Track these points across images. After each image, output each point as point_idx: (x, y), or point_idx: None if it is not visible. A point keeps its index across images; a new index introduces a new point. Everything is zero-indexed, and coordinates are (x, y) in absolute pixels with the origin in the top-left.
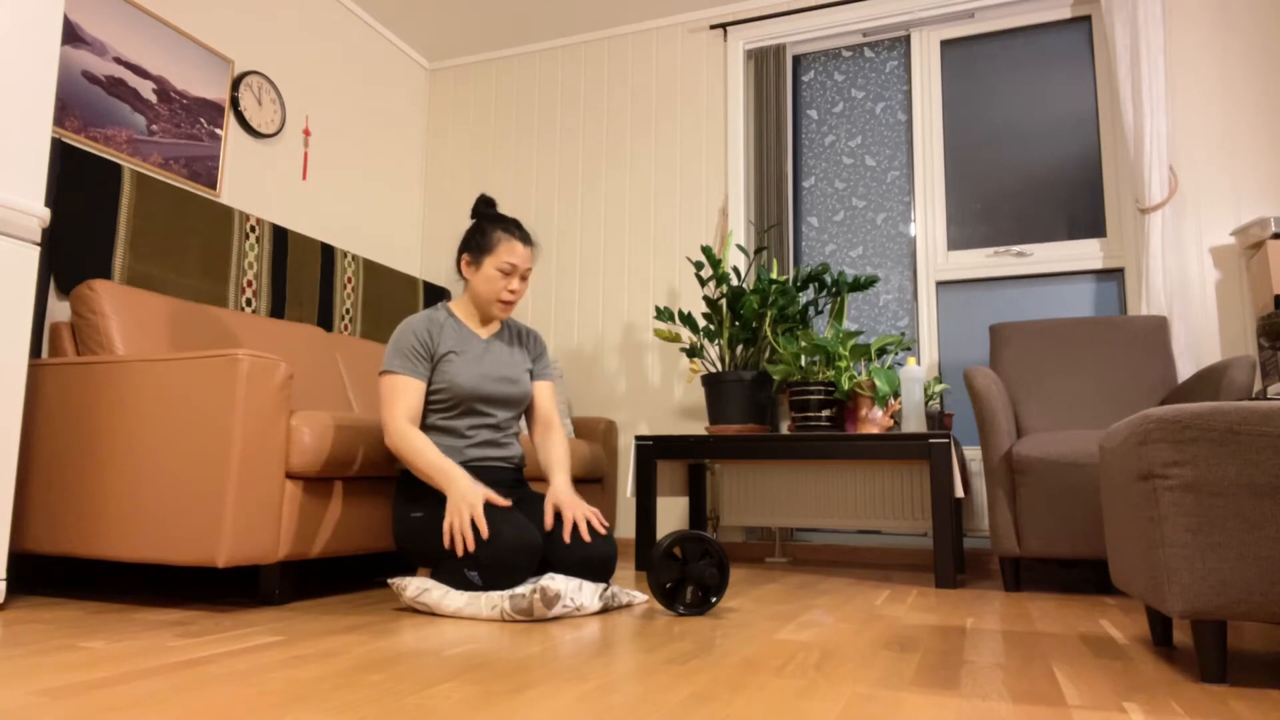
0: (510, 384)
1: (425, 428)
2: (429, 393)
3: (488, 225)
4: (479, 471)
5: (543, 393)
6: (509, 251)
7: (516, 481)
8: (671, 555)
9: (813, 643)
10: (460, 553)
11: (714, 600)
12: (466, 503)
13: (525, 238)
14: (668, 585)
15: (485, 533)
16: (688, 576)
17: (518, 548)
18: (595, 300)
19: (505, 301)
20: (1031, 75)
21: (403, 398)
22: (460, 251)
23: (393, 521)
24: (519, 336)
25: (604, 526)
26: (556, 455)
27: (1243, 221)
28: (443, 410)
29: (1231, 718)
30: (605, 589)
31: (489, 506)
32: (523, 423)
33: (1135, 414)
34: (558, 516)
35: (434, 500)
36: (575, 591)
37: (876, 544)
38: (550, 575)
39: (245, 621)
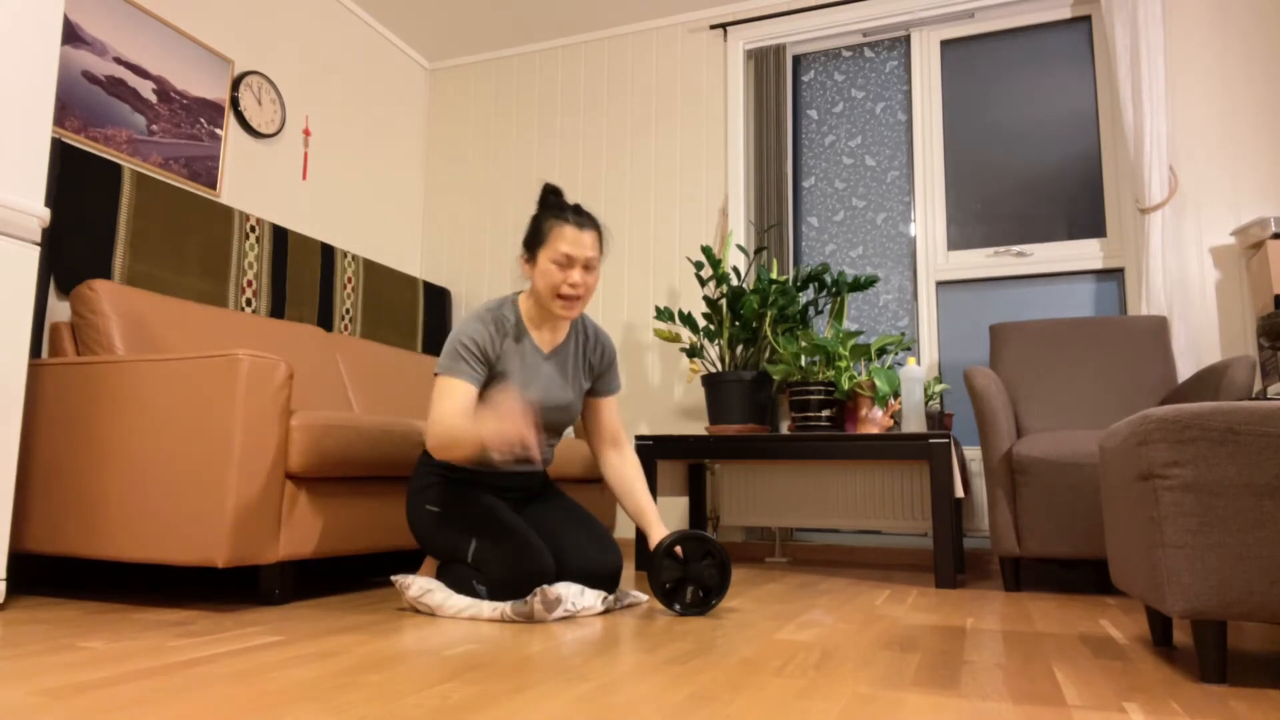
0: (560, 411)
1: None
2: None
3: (540, 215)
4: (510, 476)
5: (609, 409)
6: (560, 238)
7: (544, 484)
8: (672, 555)
9: (813, 643)
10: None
11: (714, 601)
12: (505, 435)
13: (582, 221)
14: (668, 585)
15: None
16: (688, 576)
17: (530, 574)
18: (595, 300)
19: (565, 297)
20: (1031, 75)
21: (452, 399)
22: (522, 254)
23: (409, 503)
24: (585, 347)
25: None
26: (643, 495)
27: (1243, 221)
28: None
29: (1231, 718)
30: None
31: (511, 532)
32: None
33: (1135, 414)
34: (564, 523)
35: (448, 495)
36: (577, 596)
37: (876, 544)
38: None
39: (245, 621)
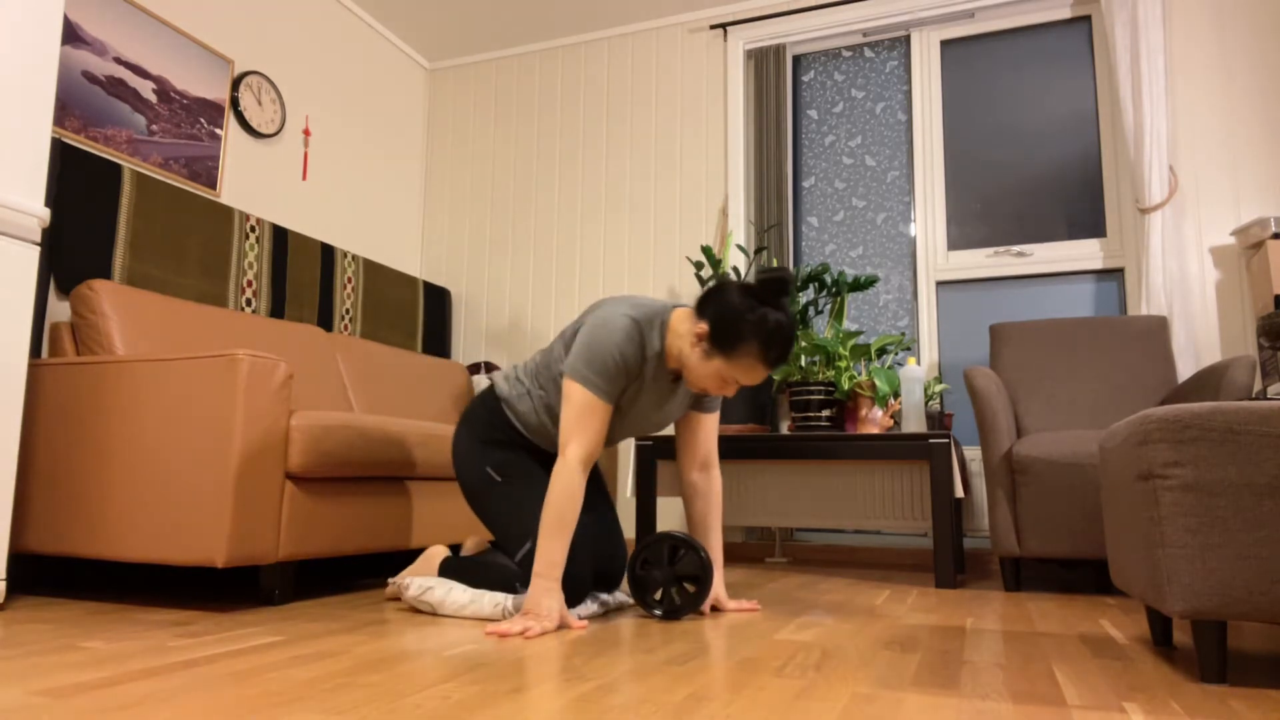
0: (650, 427)
1: (547, 404)
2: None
3: (748, 328)
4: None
5: (707, 427)
6: (748, 371)
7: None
8: (645, 565)
9: (813, 643)
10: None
11: (705, 588)
12: (541, 617)
13: (777, 361)
14: (657, 597)
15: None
16: (668, 579)
17: (575, 578)
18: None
19: (702, 390)
20: (1031, 75)
21: (595, 430)
22: (704, 316)
23: (460, 460)
24: None
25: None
26: (715, 538)
27: (1243, 221)
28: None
29: (1231, 718)
30: (608, 596)
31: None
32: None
33: (1135, 414)
34: (583, 516)
35: (515, 465)
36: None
37: (876, 544)
38: None
39: (245, 621)
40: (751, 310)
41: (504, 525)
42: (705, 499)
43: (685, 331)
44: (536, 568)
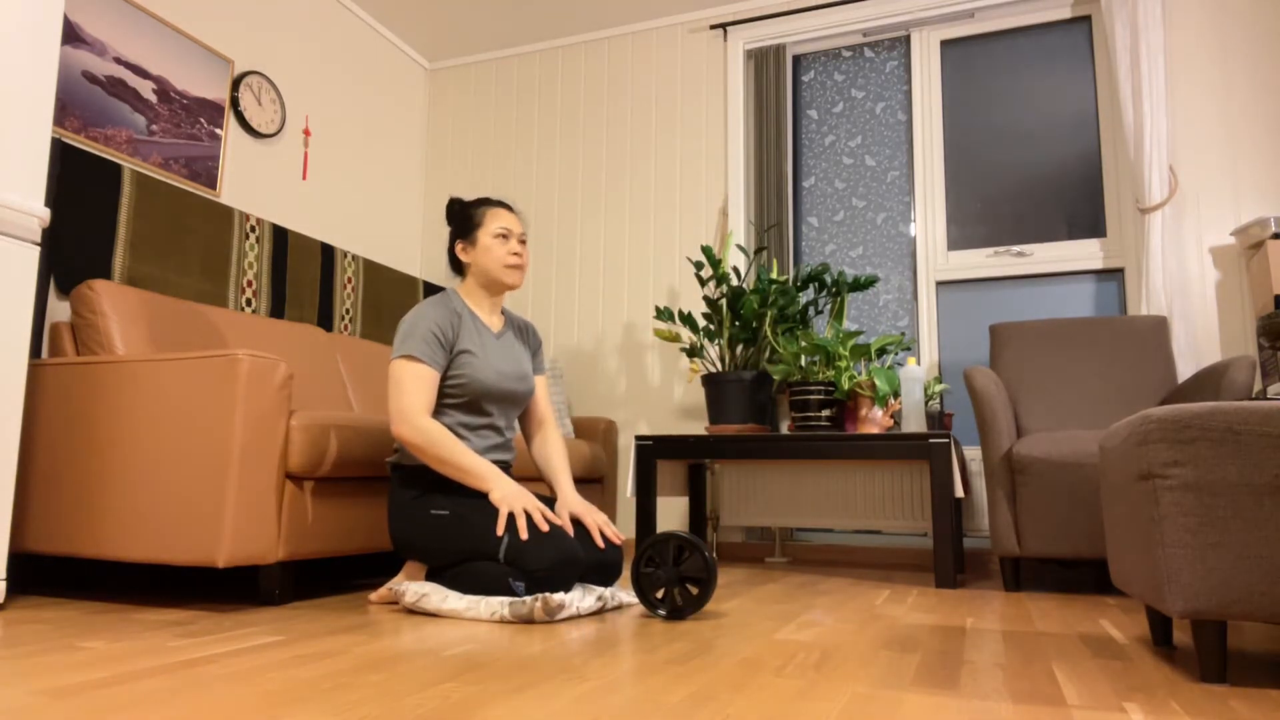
0: (521, 380)
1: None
2: (441, 387)
3: (466, 208)
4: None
5: (539, 388)
6: (496, 218)
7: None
8: (650, 563)
9: (813, 643)
10: (525, 536)
11: (708, 591)
12: (520, 502)
13: (507, 204)
14: (659, 595)
15: (543, 529)
16: (672, 579)
17: (572, 562)
18: (595, 300)
19: (512, 266)
20: (1031, 75)
21: (422, 387)
22: (452, 243)
23: (398, 520)
24: (520, 330)
25: (618, 536)
26: (558, 459)
27: (1243, 221)
28: (454, 408)
29: (1231, 718)
30: (605, 590)
31: (548, 523)
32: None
33: (1135, 414)
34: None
35: (462, 494)
36: (579, 599)
37: (876, 544)
38: None
39: (245, 621)
40: (455, 212)
41: (478, 539)
42: (543, 450)
43: (464, 265)
44: (472, 481)
